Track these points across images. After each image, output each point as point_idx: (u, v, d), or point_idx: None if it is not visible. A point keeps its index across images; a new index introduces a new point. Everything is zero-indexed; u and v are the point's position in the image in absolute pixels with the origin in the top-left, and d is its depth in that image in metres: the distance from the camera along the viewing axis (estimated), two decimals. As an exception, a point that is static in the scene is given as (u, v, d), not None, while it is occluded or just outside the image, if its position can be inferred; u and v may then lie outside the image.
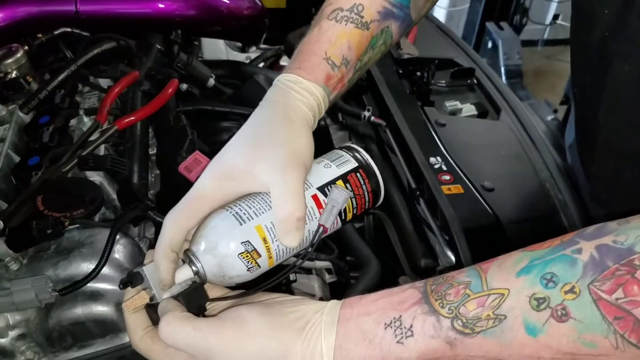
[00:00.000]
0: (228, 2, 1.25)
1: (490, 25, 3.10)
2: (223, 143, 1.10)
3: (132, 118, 0.93)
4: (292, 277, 0.85)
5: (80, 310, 0.74)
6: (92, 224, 0.78)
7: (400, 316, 0.49)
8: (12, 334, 0.75)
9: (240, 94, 1.20)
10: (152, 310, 0.59)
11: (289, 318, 0.53)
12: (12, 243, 0.75)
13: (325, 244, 1.05)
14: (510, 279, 0.46)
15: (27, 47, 1.08)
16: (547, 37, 3.76)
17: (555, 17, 3.65)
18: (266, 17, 1.36)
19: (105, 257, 0.72)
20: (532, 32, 3.68)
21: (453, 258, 0.87)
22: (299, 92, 0.65)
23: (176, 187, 0.98)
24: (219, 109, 1.12)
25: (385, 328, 0.49)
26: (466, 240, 0.86)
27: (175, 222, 0.58)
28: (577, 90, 0.82)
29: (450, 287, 0.49)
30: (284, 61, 1.62)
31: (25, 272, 0.74)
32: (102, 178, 0.87)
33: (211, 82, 1.21)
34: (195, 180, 0.90)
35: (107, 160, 0.85)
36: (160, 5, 1.19)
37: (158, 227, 0.92)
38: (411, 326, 0.49)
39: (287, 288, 0.86)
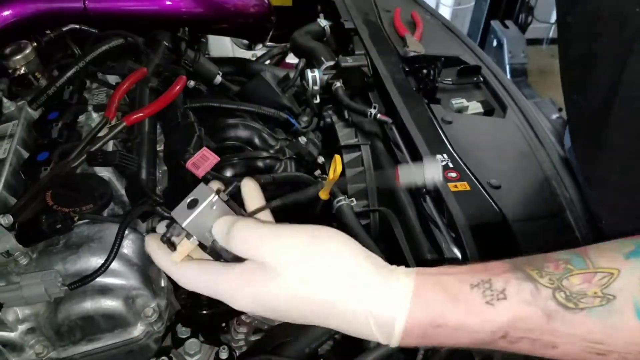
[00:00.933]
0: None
1: (495, 24, 3.10)
2: (230, 139, 1.13)
3: (141, 114, 0.93)
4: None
5: (89, 305, 0.75)
6: (101, 218, 0.79)
7: (490, 279, 0.46)
8: (22, 327, 0.75)
9: (247, 90, 1.20)
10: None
11: (365, 252, 0.50)
12: (21, 238, 0.76)
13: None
14: (619, 259, 0.43)
15: (35, 44, 1.08)
16: (552, 36, 3.75)
17: (561, 15, 3.63)
18: (273, 15, 1.36)
19: (114, 251, 0.73)
20: (537, 31, 3.67)
21: (459, 255, 0.87)
22: None
23: (183, 183, 0.99)
24: (226, 106, 1.12)
25: (472, 288, 0.46)
26: (472, 238, 0.86)
27: None
28: (577, 94, 0.78)
29: (545, 260, 0.46)
30: (290, 59, 1.62)
31: (35, 267, 0.74)
32: (110, 174, 0.87)
33: (218, 79, 1.22)
34: (203, 177, 0.91)
35: (115, 156, 0.85)
36: (168, 3, 1.20)
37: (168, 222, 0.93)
38: (504, 289, 0.45)
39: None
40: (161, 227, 0.57)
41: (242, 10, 1.30)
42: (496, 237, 0.88)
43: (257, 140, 1.11)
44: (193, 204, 0.54)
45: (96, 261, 0.74)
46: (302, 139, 1.08)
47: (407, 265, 0.93)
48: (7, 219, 0.75)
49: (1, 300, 0.71)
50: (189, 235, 0.54)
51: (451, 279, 0.47)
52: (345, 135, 1.19)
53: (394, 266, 0.50)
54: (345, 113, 1.22)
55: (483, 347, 0.47)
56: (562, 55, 0.78)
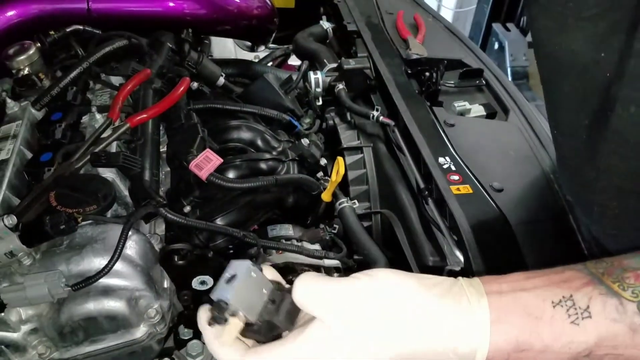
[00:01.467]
0: (238, 1, 1.26)
1: (497, 27, 3.10)
2: (233, 141, 1.13)
3: (144, 116, 0.94)
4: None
5: (93, 306, 0.75)
6: (105, 219, 0.79)
7: (572, 295, 0.45)
8: (25, 328, 0.76)
9: (249, 92, 1.21)
10: (251, 330, 0.55)
11: (430, 281, 0.49)
12: (25, 238, 0.76)
13: (333, 243, 1.05)
14: None
15: (39, 44, 1.09)
16: (554, 39, 3.74)
17: (562, 18, 3.64)
18: (275, 16, 1.36)
19: (117, 252, 0.73)
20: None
21: (462, 258, 0.88)
22: None
23: (187, 185, 0.99)
24: (229, 107, 1.12)
25: (554, 306, 0.45)
26: (475, 241, 0.86)
27: None
28: (567, 133, 0.74)
29: (624, 271, 0.45)
30: (292, 60, 1.62)
31: (38, 267, 0.74)
32: (114, 175, 0.87)
33: (221, 80, 1.22)
34: (207, 179, 0.91)
35: (119, 157, 0.85)
36: (171, 4, 1.20)
37: (169, 224, 0.93)
38: (587, 307, 0.44)
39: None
40: (204, 312, 0.54)
41: (245, 12, 1.30)
42: (499, 240, 0.89)
43: (259, 142, 1.11)
44: (232, 279, 0.53)
45: (99, 262, 0.74)
46: (305, 141, 1.08)
47: (408, 269, 0.93)
48: (11, 220, 0.75)
49: (5, 301, 0.71)
50: (235, 312, 0.52)
51: (530, 297, 0.46)
52: (348, 138, 1.19)
53: (457, 283, 0.49)
54: (348, 115, 1.22)
55: None
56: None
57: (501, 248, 0.87)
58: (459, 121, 1.13)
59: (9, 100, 1.00)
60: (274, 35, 1.43)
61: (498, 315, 0.46)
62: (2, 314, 0.73)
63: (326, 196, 1.05)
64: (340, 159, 1.02)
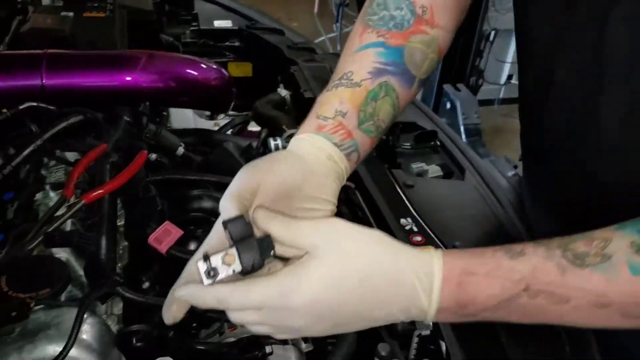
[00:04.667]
0: (196, 73, 1.28)
1: (447, 88, 3.23)
2: (194, 211, 1.12)
3: (100, 191, 0.92)
4: (268, 349, 0.83)
5: (46, 398, 0.70)
6: (58, 303, 0.76)
7: (509, 246, 0.54)
8: None
9: (209, 161, 1.20)
10: None
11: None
12: (-29, 329, 0.71)
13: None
14: (609, 232, 0.53)
15: (-9, 123, 1.07)
16: (503, 96, 3.93)
17: (510, 77, 3.84)
18: (233, 86, 1.38)
19: (72, 338, 0.69)
20: (488, 92, 3.84)
21: (431, 324, 0.87)
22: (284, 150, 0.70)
23: (145, 260, 0.96)
24: (188, 177, 1.11)
25: (495, 252, 0.54)
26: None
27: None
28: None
29: (573, 240, 0.54)
30: (252, 126, 1.64)
31: (-14, 359, 0.70)
32: (68, 254, 0.84)
33: (180, 150, 1.22)
34: (166, 252, 0.89)
35: (74, 237, 0.83)
36: (128, 78, 1.20)
37: (126, 303, 0.90)
38: (522, 250, 0.53)
39: (263, 361, 0.83)
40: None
41: (202, 83, 1.31)
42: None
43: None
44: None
45: (54, 349, 0.70)
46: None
47: (376, 335, 0.92)
48: (-43, 309, 0.71)
49: (-53, 400, 0.66)
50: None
51: (475, 251, 0.56)
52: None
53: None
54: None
55: (507, 306, 0.53)
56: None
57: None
58: (418, 182, 1.15)
59: (-43, 181, 0.97)
60: (232, 103, 1.44)
61: (448, 253, 0.55)
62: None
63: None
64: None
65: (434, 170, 1.21)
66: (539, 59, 0.81)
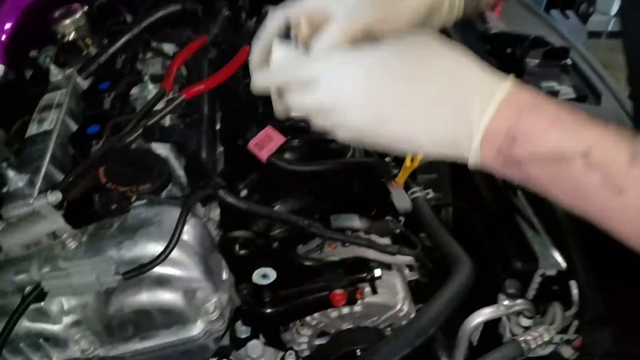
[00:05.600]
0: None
1: (555, 13, 2.92)
2: (293, 118, 1.03)
3: (201, 87, 0.84)
4: (377, 272, 0.75)
5: (145, 297, 0.66)
6: (161, 200, 0.69)
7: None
8: (67, 320, 0.67)
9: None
10: None
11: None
12: (70, 218, 0.67)
13: (404, 237, 0.94)
14: None
15: (86, 8, 1.00)
16: (612, 29, 3.54)
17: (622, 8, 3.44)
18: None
19: (175, 238, 0.63)
20: (596, 24, 3.47)
21: (562, 262, 0.75)
22: None
23: (244, 166, 0.89)
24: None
25: (576, 110, 0.46)
26: (580, 245, 0.74)
27: None
28: None
29: None
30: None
31: (85, 252, 0.65)
32: (168, 151, 0.78)
33: (279, 54, 1.12)
34: (267, 160, 0.81)
35: (174, 132, 0.76)
36: (227, -31, 1.09)
37: (224, 209, 0.83)
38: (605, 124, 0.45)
39: (371, 285, 0.75)
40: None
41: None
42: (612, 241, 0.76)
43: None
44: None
45: (154, 248, 0.65)
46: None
47: (489, 271, 0.81)
48: (55, 196, 0.66)
49: (45, 289, 0.63)
50: None
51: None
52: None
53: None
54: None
55: (557, 167, 0.44)
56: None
57: (614, 252, 0.74)
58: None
59: (53, 68, 0.91)
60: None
61: (523, 84, 0.46)
62: (42, 303, 0.64)
63: (401, 181, 0.94)
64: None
65: (565, 91, 1.05)
66: None
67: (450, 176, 1.04)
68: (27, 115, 0.86)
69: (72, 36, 0.97)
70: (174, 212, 0.66)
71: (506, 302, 0.72)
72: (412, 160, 0.91)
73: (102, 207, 0.66)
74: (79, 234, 0.67)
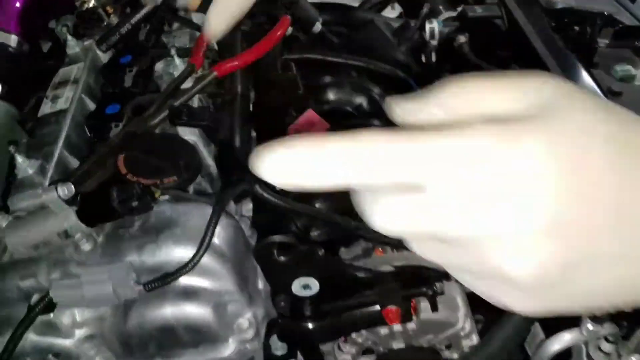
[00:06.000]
0: None
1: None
2: (332, 102, 0.93)
3: (235, 63, 0.73)
4: (439, 287, 0.64)
5: (170, 312, 0.57)
6: (189, 197, 0.60)
7: None
8: (79, 334, 0.58)
9: (354, 41, 0.99)
10: None
11: None
12: (84, 215, 0.58)
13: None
14: None
15: (107, -28, 0.89)
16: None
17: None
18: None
19: (206, 243, 0.53)
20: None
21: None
22: None
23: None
24: (331, 59, 0.90)
25: None
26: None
27: None
28: None
29: None
30: (387, 12, 1.39)
31: (101, 256, 0.56)
32: (196, 137, 0.67)
33: (318, 26, 1.00)
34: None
35: (205, 114, 0.66)
36: None
37: (259, 205, 0.73)
38: None
39: (431, 301, 0.65)
40: None
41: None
42: None
43: (366, 105, 0.90)
44: None
45: (180, 253, 0.55)
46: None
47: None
48: (67, 189, 0.56)
49: (55, 299, 0.54)
50: None
51: None
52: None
53: None
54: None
55: None
56: None
57: None
58: (626, 89, 0.88)
59: (70, 38, 0.82)
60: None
61: None
62: (51, 315, 0.55)
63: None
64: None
65: (645, 76, 0.92)
66: None
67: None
68: (43, 91, 0.78)
69: (91, 3, 0.87)
70: (204, 211, 0.56)
71: (591, 327, 0.61)
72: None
73: (121, 203, 0.56)
74: (94, 234, 0.57)
